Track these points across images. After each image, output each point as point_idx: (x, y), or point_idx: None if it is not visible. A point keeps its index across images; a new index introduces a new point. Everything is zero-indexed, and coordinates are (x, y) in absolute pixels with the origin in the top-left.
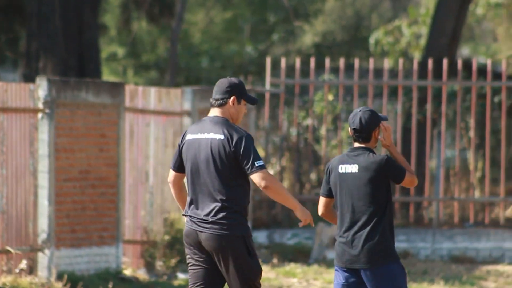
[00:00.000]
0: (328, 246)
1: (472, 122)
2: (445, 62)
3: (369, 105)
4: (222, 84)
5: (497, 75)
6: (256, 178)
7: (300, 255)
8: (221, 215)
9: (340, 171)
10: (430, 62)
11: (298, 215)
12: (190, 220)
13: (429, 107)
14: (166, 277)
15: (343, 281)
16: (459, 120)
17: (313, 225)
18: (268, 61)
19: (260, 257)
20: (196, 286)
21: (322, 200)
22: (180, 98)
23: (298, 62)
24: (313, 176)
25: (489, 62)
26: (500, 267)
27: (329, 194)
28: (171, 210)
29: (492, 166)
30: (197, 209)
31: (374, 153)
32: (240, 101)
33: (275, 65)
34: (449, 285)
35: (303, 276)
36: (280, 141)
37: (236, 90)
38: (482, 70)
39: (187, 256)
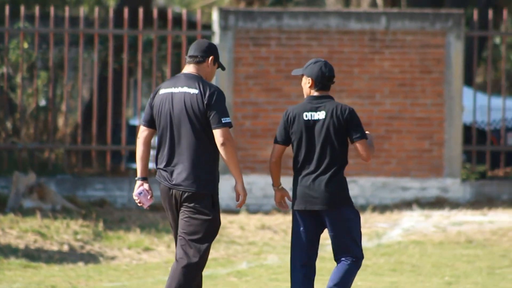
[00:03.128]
0: (25, 195)
1: (168, 71)
2: (141, 11)
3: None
4: (202, 43)
5: (192, 24)
6: (217, 133)
7: None
8: (191, 172)
9: (305, 118)
10: (126, 11)
11: (239, 189)
12: (161, 175)
13: (125, 56)
14: None
15: (301, 227)
16: (155, 69)
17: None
18: None
19: None
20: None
21: (277, 148)
22: None
23: None
24: (8, 124)
25: (184, 12)
26: None
27: (286, 142)
28: None
29: None
30: (167, 164)
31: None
32: (215, 63)
33: None
34: (146, 233)
35: None
36: None
37: (215, 52)
38: (177, 20)
39: (165, 210)
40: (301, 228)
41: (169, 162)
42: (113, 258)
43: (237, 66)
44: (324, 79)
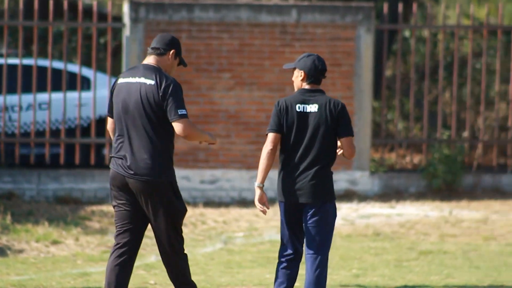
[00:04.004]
0: None
1: (78, 63)
2: (51, 2)
3: None
4: (165, 36)
5: (103, 16)
6: (176, 126)
7: None
8: (148, 161)
9: (298, 110)
10: (36, 2)
11: (211, 140)
12: (116, 163)
13: (35, 48)
14: None
15: (287, 218)
16: (66, 60)
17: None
18: None
19: None
20: (123, 226)
21: (272, 136)
22: None
23: None
24: None
25: (95, 4)
26: (105, 207)
27: (279, 130)
28: None
29: None
30: (123, 153)
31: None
32: (176, 57)
33: None
34: (54, 226)
35: None
36: None
37: (177, 46)
38: (88, 11)
39: (113, 197)
40: (287, 219)
41: (124, 151)
42: (20, 251)
43: None
44: (316, 73)
